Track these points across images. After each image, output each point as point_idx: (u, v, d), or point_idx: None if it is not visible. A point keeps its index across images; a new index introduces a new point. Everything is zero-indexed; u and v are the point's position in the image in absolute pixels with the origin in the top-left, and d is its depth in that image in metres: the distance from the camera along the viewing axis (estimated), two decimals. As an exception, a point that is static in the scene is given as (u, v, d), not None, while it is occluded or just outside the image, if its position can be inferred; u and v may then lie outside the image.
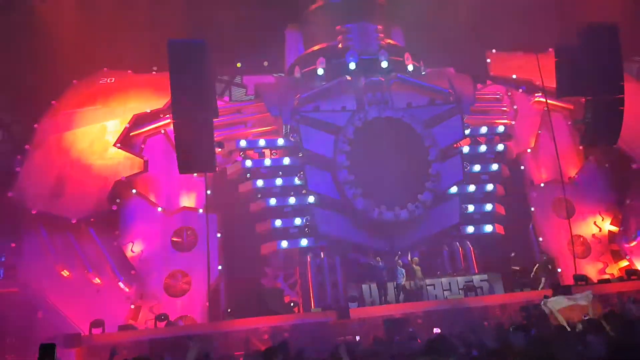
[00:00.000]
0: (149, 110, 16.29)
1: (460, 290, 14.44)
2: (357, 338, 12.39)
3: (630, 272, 15.49)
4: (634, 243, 16.79)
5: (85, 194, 15.02)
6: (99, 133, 16.03)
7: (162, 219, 15.63)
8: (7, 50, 15.19)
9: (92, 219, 14.89)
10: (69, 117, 16.21)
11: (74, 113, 16.27)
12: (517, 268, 14.83)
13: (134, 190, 15.71)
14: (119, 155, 15.77)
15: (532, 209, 16.93)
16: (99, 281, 14.63)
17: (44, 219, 14.65)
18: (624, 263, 16.64)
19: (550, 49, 16.49)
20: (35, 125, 16.11)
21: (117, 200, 15.40)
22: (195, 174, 15.58)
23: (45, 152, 15.70)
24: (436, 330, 12.07)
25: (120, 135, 15.94)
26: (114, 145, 15.80)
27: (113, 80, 16.62)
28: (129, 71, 16.84)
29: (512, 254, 14.61)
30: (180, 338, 12.23)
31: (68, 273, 14.57)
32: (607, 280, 15.15)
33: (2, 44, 15.17)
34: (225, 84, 18.54)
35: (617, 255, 16.89)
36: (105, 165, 15.63)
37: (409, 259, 15.07)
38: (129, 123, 16.05)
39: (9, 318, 13.80)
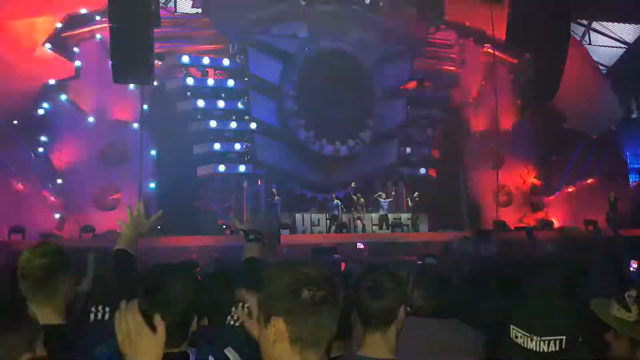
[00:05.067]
0: (84, 11, 14.97)
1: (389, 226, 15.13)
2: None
3: (544, 223, 16.83)
4: (552, 197, 18.11)
5: (8, 94, 13.80)
6: (27, 29, 14.59)
7: (92, 130, 14.84)
8: None
9: (14, 121, 13.94)
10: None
11: (-3, 4, 14.65)
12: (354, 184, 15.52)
13: (63, 96, 14.74)
14: (48, 56, 14.58)
15: (465, 156, 17.64)
16: (21, 187, 13.97)
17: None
18: (540, 214, 17.97)
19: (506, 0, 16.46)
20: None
21: (44, 105, 14.44)
22: (131, 86, 14.77)
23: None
24: (359, 245, 12.75)
25: (51, 34, 14.64)
26: (43, 44, 14.54)
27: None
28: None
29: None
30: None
31: (-14, 176, 13.76)
32: (523, 228, 16.37)
33: None
34: (170, -7, 17.26)
35: (536, 207, 18.17)
36: (32, 66, 14.41)
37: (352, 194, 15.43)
38: (61, 22, 14.73)
39: None
